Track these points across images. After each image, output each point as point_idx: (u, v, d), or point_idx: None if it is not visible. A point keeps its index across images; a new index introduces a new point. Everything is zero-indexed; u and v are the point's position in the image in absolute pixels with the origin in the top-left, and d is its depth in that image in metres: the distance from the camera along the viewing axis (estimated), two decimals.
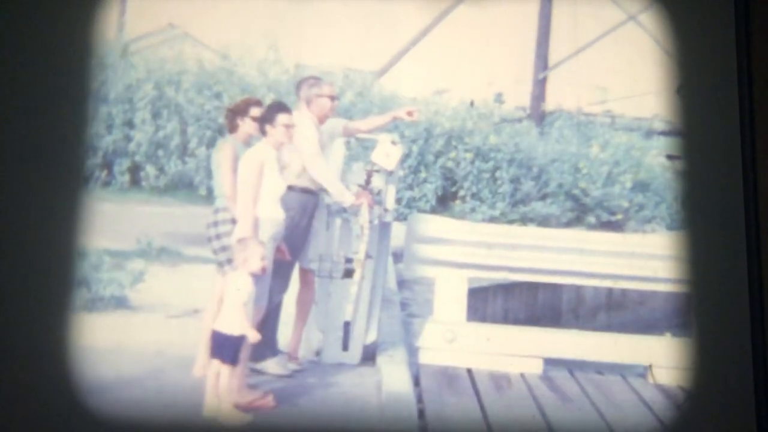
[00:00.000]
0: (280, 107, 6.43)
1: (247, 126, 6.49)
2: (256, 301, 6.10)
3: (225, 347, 5.92)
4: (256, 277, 6.05)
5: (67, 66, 6.24)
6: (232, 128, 6.56)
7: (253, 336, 5.93)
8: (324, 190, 6.68)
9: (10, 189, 5.99)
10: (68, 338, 5.90)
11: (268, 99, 7.83)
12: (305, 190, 6.60)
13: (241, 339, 5.93)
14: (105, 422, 5.72)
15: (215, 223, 6.40)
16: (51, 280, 5.94)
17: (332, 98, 6.75)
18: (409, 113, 6.97)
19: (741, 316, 5.88)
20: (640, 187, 8.32)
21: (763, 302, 5.86)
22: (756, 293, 5.87)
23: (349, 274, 6.52)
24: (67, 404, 5.75)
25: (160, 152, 7.93)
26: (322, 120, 6.73)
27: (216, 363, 5.91)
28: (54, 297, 5.92)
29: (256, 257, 6.02)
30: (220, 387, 5.88)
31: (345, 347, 6.52)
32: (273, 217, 6.30)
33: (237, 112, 6.56)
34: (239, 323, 5.93)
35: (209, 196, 7.60)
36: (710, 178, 6.09)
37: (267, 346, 6.46)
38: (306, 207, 6.60)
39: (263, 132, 6.35)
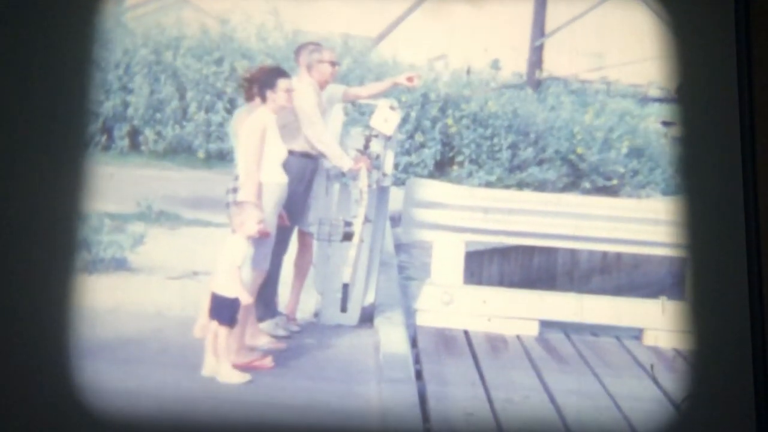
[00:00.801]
0: (279, 72, 6.47)
1: None
2: (256, 265, 6.16)
3: (222, 309, 5.99)
4: (257, 241, 6.11)
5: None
6: (249, 97, 6.57)
7: (246, 299, 6.00)
8: (323, 155, 6.72)
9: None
10: (71, 300, 5.94)
11: (268, 64, 7.88)
12: (305, 155, 6.64)
13: (237, 301, 6.00)
14: (105, 380, 5.78)
15: (234, 189, 6.41)
16: (55, 244, 5.99)
17: (333, 64, 6.79)
18: (409, 79, 7.01)
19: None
20: (636, 152, 8.36)
21: (761, 277, 5.90)
22: (754, 268, 5.91)
23: (347, 237, 6.57)
24: (68, 366, 5.80)
25: (159, 116, 7.96)
26: (322, 85, 6.77)
27: (214, 324, 5.99)
28: (58, 260, 5.97)
29: (252, 221, 6.07)
30: (218, 347, 5.95)
31: (343, 309, 6.57)
32: (276, 181, 6.34)
33: (254, 81, 6.57)
34: (234, 286, 6.00)
35: (208, 160, 7.66)
36: (710, 178, 6.11)
37: (266, 308, 6.53)
38: (305, 172, 6.64)
39: (263, 97, 6.39)
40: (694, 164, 6.16)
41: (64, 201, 6.04)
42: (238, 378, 5.93)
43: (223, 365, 5.94)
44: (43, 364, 5.73)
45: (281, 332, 6.54)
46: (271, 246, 6.31)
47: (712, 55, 6.15)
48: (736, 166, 6.00)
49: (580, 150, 8.27)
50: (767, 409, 5.68)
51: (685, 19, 6.27)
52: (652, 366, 6.33)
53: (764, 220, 5.91)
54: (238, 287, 5.99)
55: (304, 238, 6.78)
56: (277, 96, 6.36)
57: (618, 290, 7.54)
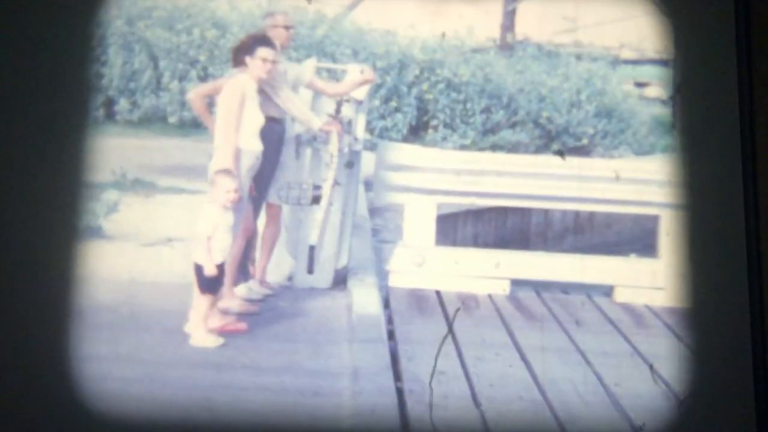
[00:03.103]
0: (261, 40, 6.48)
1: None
2: (234, 231, 6.21)
3: (200, 277, 6.07)
4: (233, 208, 6.16)
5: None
6: (236, 63, 6.56)
7: (209, 269, 6.05)
8: (293, 116, 6.74)
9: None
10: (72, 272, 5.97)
11: (241, 33, 7.90)
12: (271, 119, 6.65)
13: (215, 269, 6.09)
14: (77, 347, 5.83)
15: None
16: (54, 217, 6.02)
17: (287, 28, 6.77)
18: (367, 80, 6.98)
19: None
20: (605, 113, 8.40)
21: (762, 277, 5.92)
22: (755, 269, 5.93)
23: (316, 200, 6.62)
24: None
25: (133, 86, 7.99)
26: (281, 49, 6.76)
27: (196, 290, 6.08)
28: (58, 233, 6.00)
29: (222, 190, 6.12)
30: (196, 313, 6.02)
31: (310, 270, 6.63)
32: (252, 149, 6.39)
33: (241, 47, 6.53)
34: (201, 255, 6.07)
35: (183, 128, 7.70)
36: (710, 179, 6.12)
37: (240, 272, 6.59)
38: (273, 137, 6.65)
39: (244, 64, 6.42)
40: (694, 163, 6.18)
41: (65, 173, 6.06)
42: (211, 342, 6.00)
43: (197, 329, 6.01)
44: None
45: (254, 296, 6.60)
46: (243, 212, 6.36)
47: (713, 55, 6.16)
48: (736, 165, 6.01)
49: (547, 113, 8.31)
50: (767, 409, 5.76)
51: (685, 19, 6.28)
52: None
53: (764, 219, 5.93)
54: (205, 256, 6.05)
55: (271, 210, 6.82)
56: (255, 63, 6.39)
57: (591, 249, 7.59)
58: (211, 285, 6.09)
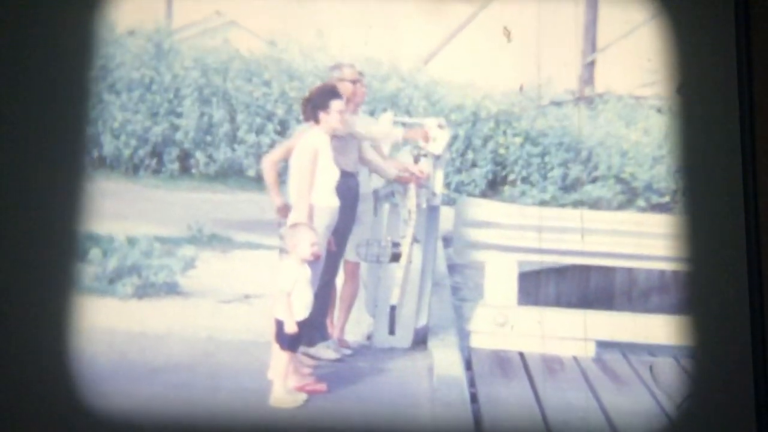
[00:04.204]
0: (333, 93, 6.40)
1: None
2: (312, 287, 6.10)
3: (280, 333, 5.94)
4: (311, 264, 6.04)
5: (67, 45, 6.27)
6: (308, 117, 6.47)
7: (290, 326, 5.91)
8: (370, 167, 6.65)
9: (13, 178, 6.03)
10: (70, 321, 5.91)
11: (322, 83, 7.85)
12: (343, 173, 6.44)
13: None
14: (156, 405, 5.76)
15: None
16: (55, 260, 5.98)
17: (354, 81, 6.70)
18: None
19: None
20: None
21: (761, 276, 5.85)
22: (754, 268, 5.86)
23: (396, 258, 6.51)
24: (67, 384, 5.79)
25: (209, 139, 7.96)
26: (354, 103, 6.68)
27: (277, 348, 5.94)
28: (57, 278, 5.95)
29: (306, 243, 6.00)
30: (277, 371, 5.90)
31: (391, 331, 6.51)
32: (328, 205, 6.28)
33: (310, 100, 6.46)
34: (282, 311, 5.94)
35: (259, 183, 7.62)
36: (711, 179, 6.05)
37: (317, 331, 6.46)
38: (345, 191, 6.48)
39: (316, 119, 6.33)
40: (695, 163, 6.11)
41: (62, 219, 6.03)
42: (291, 402, 5.87)
43: (277, 389, 5.88)
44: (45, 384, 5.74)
45: (332, 355, 6.48)
46: (320, 269, 6.24)
47: (712, 55, 6.12)
48: (736, 165, 5.97)
49: (631, 168, 8.16)
50: (767, 409, 5.62)
51: (685, 19, 6.24)
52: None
53: (764, 219, 5.86)
54: (285, 313, 5.92)
55: (349, 267, 6.71)
56: (330, 117, 6.31)
57: (677, 309, 7.39)
58: (292, 342, 5.95)
